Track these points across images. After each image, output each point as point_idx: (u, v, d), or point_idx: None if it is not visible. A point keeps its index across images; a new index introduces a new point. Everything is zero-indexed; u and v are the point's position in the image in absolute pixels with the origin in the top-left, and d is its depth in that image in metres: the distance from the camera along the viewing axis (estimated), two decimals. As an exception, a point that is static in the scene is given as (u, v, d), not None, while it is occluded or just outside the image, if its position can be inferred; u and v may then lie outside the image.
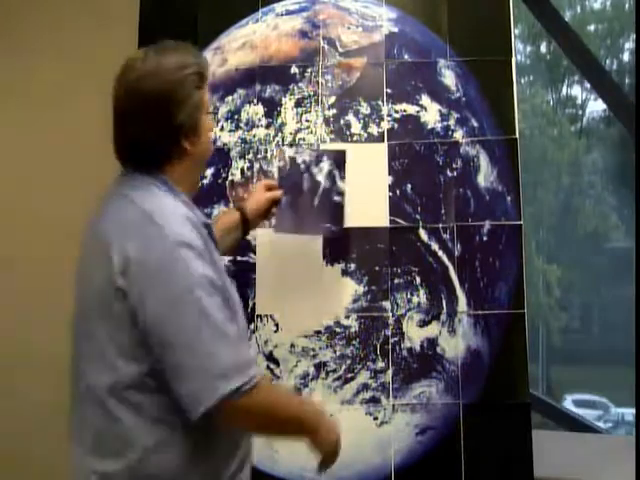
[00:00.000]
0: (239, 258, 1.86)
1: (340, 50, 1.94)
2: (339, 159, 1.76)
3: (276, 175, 1.82)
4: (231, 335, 1.14)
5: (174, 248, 1.14)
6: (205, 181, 1.91)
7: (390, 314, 1.80)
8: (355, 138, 1.88)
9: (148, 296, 1.12)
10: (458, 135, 1.86)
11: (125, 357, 1.15)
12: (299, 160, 1.77)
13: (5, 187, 2.34)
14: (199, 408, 1.10)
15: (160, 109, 1.21)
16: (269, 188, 1.73)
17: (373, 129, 1.88)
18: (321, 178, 1.77)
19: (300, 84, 1.93)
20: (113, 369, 1.16)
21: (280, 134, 1.92)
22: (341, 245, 1.82)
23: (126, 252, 1.14)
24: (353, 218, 1.82)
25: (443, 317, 1.79)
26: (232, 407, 1.12)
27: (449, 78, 1.89)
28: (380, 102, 1.89)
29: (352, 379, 1.79)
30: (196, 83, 1.26)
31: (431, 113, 1.88)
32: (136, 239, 1.15)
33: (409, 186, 1.85)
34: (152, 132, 1.22)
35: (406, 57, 1.92)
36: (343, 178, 1.76)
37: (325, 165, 1.78)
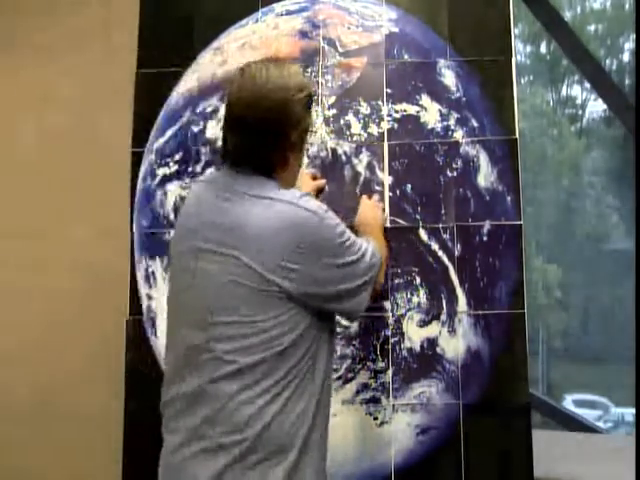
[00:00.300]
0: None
1: (340, 50, 1.94)
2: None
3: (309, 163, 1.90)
4: (360, 253, 1.42)
5: (323, 215, 1.35)
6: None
7: (390, 314, 1.80)
8: (355, 138, 1.88)
9: (318, 260, 1.33)
10: (458, 135, 1.86)
11: (280, 330, 1.31)
12: (340, 151, 1.86)
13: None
14: (362, 309, 1.45)
15: (278, 125, 1.34)
16: (313, 178, 1.86)
17: (373, 129, 1.88)
18: (361, 169, 1.84)
19: (300, 84, 1.93)
20: (268, 347, 1.30)
21: (280, 134, 1.92)
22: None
23: (290, 241, 1.31)
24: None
25: (443, 317, 1.79)
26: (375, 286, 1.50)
27: (449, 78, 1.89)
28: (380, 102, 1.89)
29: (352, 379, 1.79)
30: (308, 105, 1.39)
31: (431, 113, 1.88)
32: (295, 227, 1.32)
33: (409, 186, 1.85)
34: (267, 144, 1.35)
35: (406, 57, 1.92)
36: (382, 169, 1.83)
37: (364, 156, 1.84)
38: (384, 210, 1.83)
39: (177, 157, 1.99)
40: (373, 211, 1.78)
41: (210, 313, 1.33)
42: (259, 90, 1.33)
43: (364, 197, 1.83)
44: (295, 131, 1.36)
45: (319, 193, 1.84)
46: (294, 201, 1.34)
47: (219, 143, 1.93)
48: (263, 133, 1.34)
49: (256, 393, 1.29)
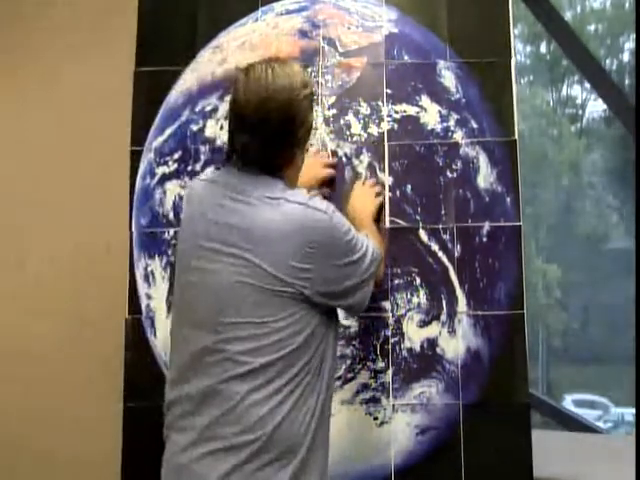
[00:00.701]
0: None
1: (340, 50, 1.94)
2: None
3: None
4: (363, 250, 1.45)
5: (332, 214, 1.38)
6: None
7: (390, 314, 1.80)
8: (355, 138, 1.88)
9: (328, 260, 1.35)
10: (458, 136, 1.86)
11: (291, 330, 1.32)
12: (340, 153, 1.85)
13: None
14: (365, 304, 1.48)
15: (286, 124, 1.35)
16: (325, 166, 1.83)
17: (373, 129, 1.88)
18: (362, 170, 1.84)
19: (300, 84, 1.92)
20: (280, 348, 1.31)
21: (280, 134, 1.92)
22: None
23: (303, 241, 1.32)
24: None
25: (443, 317, 1.79)
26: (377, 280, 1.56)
27: (449, 79, 1.89)
28: (380, 102, 1.89)
29: (352, 379, 1.79)
30: (312, 102, 1.42)
31: (431, 114, 1.87)
32: (307, 227, 1.34)
33: (409, 187, 1.85)
34: (275, 143, 1.36)
35: (406, 58, 1.92)
36: (383, 170, 1.82)
37: (365, 157, 1.83)
38: (380, 194, 1.82)
39: (176, 156, 1.98)
40: (366, 199, 1.77)
41: (218, 314, 1.33)
42: (265, 91, 1.34)
43: (358, 183, 1.83)
44: (301, 129, 1.38)
45: (326, 186, 1.81)
46: (304, 202, 1.35)
47: (218, 142, 1.94)
48: (271, 133, 1.35)
49: (268, 393, 1.30)
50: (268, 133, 1.35)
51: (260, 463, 1.28)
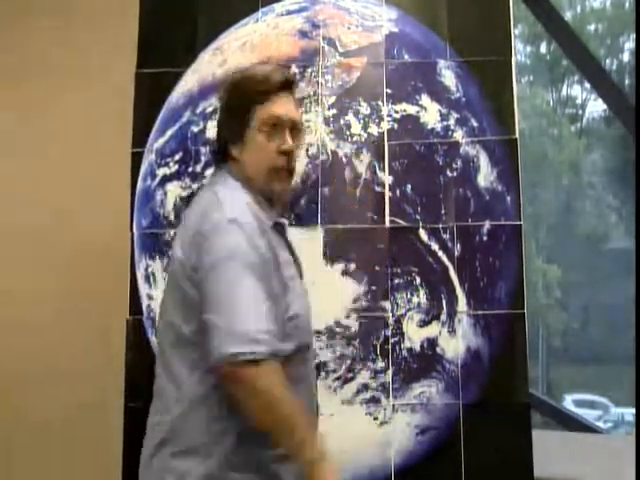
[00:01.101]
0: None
1: (340, 50, 1.94)
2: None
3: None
4: (254, 308, 1.18)
5: (226, 222, 1.23)
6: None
7: (390, 314, 1.80)
8: (355, 138, 1.88)
9: (202, 260, 1.23)
10: (458, 135, 1.86)
11: (185, 318, 1.26)
12: (341, 153, 1.86)
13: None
14: (210, 360, 1.17)
15: (225, 116, 1.36)
16: None
17: (373, 129, 1.88)
18: (362, 169, 1.84)
19: (300, 84, 1.93)
20: (177, 328, 1.27)
21: (280, 134, 1.92)
22: (341, 245, 1.82)
23: (196, 227, 1.27)
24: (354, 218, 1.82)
25: (443, 317, 1.79)
26: (231, 371, 1.15)
27: (449, 78, 1.89)
28: (380, 102, 1.89)
29: (352, 379, 1.79)
30: (257, 99, 1.32)
31: (431, 113, 1.88)
32: (203, 216, 1.27)
33: (409, 186, 1.85)
34: (226, 119, 1.36)
35: (406, 57, 1.92)
36: (383, 169, 1.83)
37: (365, 157, 1.84)
38: None
39: (177, 157, 1.99)
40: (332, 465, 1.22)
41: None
42: (225, 88, 1.36)
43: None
44: (232, 119, 1.33)
45: None
46: (219, 194, 1.29)
47: (219, 143, 1.94)
48: (223, 109, 1.36)
49: (179, 374, 1.25)
50: (221, 109, 1.37)
51: (172, 449, 1.24)
